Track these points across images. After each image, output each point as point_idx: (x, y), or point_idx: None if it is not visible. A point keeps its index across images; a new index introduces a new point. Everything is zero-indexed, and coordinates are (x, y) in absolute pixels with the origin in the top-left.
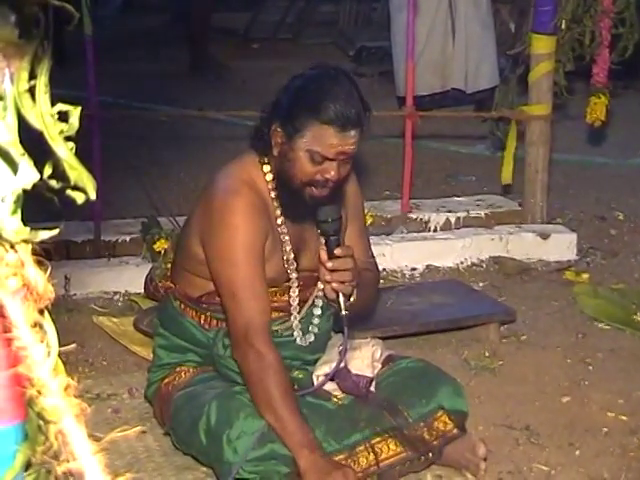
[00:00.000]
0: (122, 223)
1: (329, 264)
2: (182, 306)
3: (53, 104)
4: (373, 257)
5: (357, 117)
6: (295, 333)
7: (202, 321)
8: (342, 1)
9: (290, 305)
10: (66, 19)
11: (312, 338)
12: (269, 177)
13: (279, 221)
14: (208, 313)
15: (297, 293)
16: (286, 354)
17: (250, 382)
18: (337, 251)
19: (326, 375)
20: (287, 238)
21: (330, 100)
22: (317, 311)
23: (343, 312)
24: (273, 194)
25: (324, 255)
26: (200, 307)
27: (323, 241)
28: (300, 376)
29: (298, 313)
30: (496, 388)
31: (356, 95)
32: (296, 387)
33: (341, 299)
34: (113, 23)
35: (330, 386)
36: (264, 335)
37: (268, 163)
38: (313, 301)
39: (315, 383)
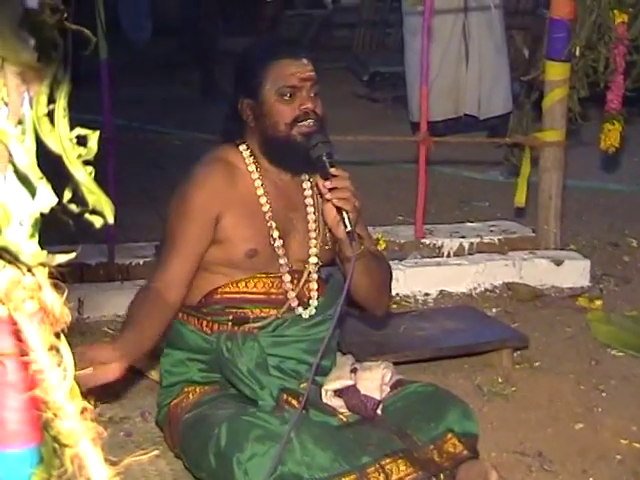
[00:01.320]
0: (136, 246)
1: (327, 183)
2: (184, 316)
3: (71, 128)
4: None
5: (302, 46)
6: (295, 309)
7: (204, 327)
8: (356, 26)
9: (285, 294)
10: (83, 43)
11: (313, 311)
12: (246, 153)
13: (260, 198)
14: (209, 318)
15: (290, 279)
16: (292, 349)
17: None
18: (333, 170)
19: (335, 391)
20: (269, 213)
21: (272, 42)
22: (314, 285)
23: (349, 228)
24: (252, 167)
25: (321, 180)
26: (201, 312)
27: (319, 173)
28: (311, 393)
29: (297, 302)
30: (509, 414)
31: (290, 36)
32: (301, 400)
33: (345, 216)
34: (144, 49)
35: (337, 403)
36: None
37: (244, 143)
38: (308, 274)
39: (324, 397)
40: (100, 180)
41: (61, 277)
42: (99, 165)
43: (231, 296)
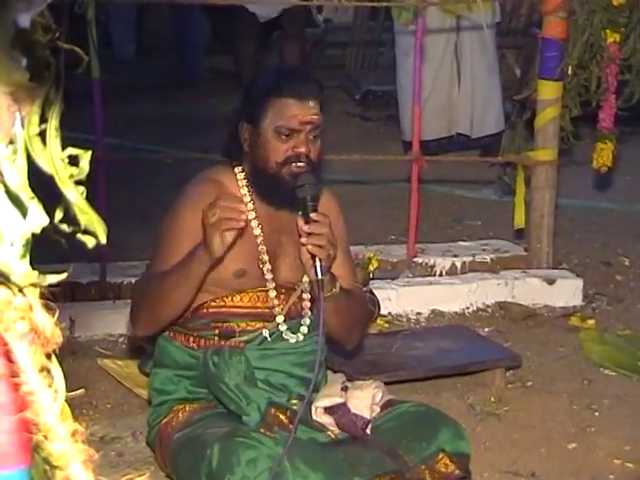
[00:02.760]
0: (128, 265)
1: (305, 227)
2: (171, 334)
3: (63, 146)
4: (358, 283)
5: (312, 86)
6: (283, 333)
7: (191, 342)
8: (349, 45)
9: (271, 310)
10: (74, 62)
11: (301, 338)
12: (240, 176)
13: (252, 221)
14: (195, 333)
15: (275, 294)
16: (279, 362)
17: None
18: (313, 215)
19: (325, 408)
20: (260, 237)
21: (284, 76)
22: (306, 321)
23: (319, 276)
24: (244, 190)
25: (301, 221)
26: (187, 328)
27: (300, 213)
28: (295, 407)
29: (283, 318)
30: (502, 434)
31: (308, 72)
32: (289, 415)
33: (317, 263)
34: (130, 68)
35: (327, 420)
36: None
37: (240, 165)
38: (301, 307)
39: (314, 414)
40: (92, 199)
41: (52, 296)
42: (91, 184)
43: (217, 310)
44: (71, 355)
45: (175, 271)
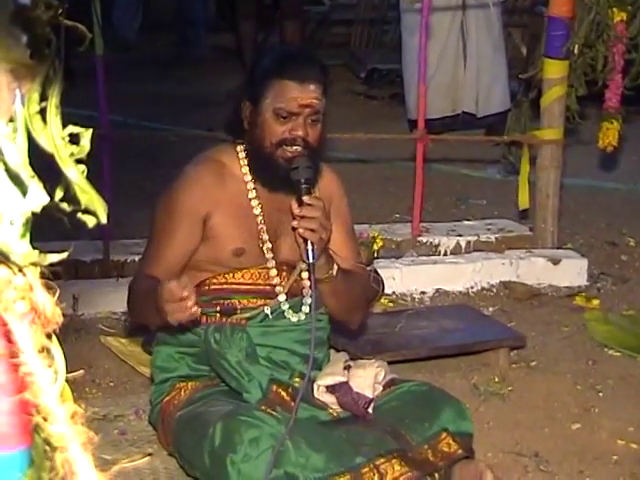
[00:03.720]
0: (131, 243)
1: (297, 210)
2: None
3: (64, 124)
4: (362, 263)
5: (315, 70)
6: (285, 312)
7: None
8: (354, 23)
9: (273, 287)
10: (78, 39)
11: (303, 317)
12: (242, 155)
13: (252, 200)
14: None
15: (276, 273)
16: (281, 339)
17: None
18: (305, 198)
19: (327, 386)
20: (260, 216)
21: (287, 58)
22: (307, 301)
23: (310, 260)
24: (245, 169)
25: (294, 204)
26: None
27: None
28: (297, 384)
29: (285, 296)
30: (505, 414)
31: (313, 55)
32: (290, 392)
33: (309, 247)
34: (134, 44)
35: (329, 399)
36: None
37: (242, 143)
38: (302, 285)
39: (315, 392)
40: (95, 177)
41: (55, 274)
42: (94, 162)
43: (218, 287)
44: (74, 333)
45: (146, 300)
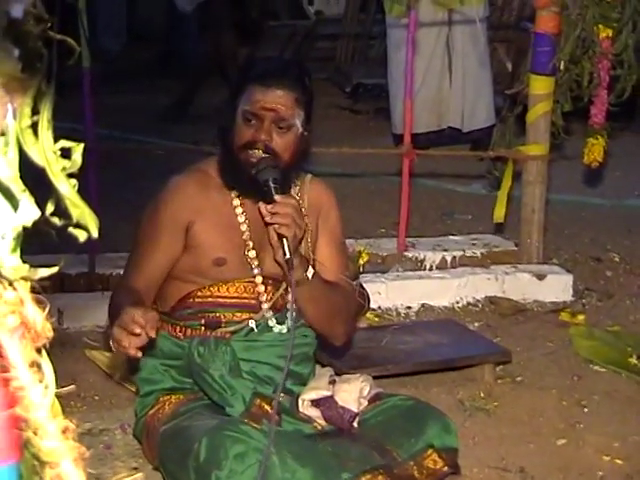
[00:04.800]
0: (116, 257)
1: (269, 207)
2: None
3: (54, 138)
4: (350, 278)
5: (287, 78)
6: (270, 322)
7: (177, 332)
8: (339, 37)
9: (258, 301)
10: (66, 52)
11: (286, 328)
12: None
13: (235, 208)
14: (182, 323)
15: (263, 286)
16: (266, 354)
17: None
18: (277, 197)
19: (312, 401)
20: (245, 226)
21: (263, 65)
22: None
23: (287, 256)
24: None
25: (263, 204)
26: (174, 318)
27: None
28: (286, 402)
29: (270, 310)
30: (491, 429)
31: (293, 66)
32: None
33: (284, 243)
34: (118, 56)
35: (314, 413)
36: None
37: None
38: (287, 299)
39: (300, 407)
40: (81, 190)
41: (41, 288)
42: (81, 174)
43: (203, 300)
44: (59, 346)
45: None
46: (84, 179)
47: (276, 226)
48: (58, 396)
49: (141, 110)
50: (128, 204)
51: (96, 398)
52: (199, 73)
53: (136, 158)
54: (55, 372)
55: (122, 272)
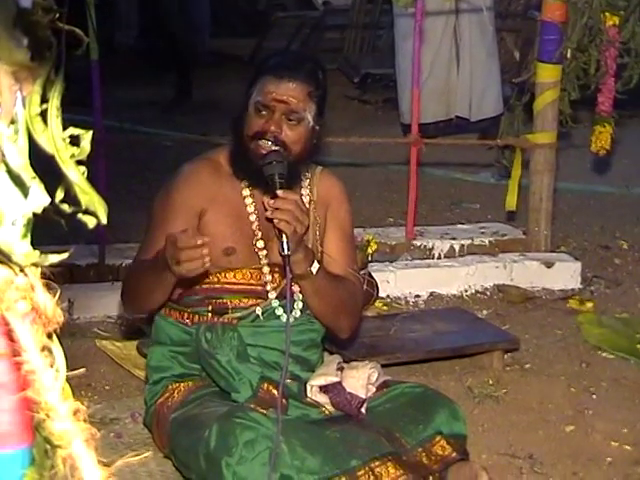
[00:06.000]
0: (126, 247)
1: (271, 202)
2: (166, 310)
3: (63, 128)
4: (358, 271)
5: (299, 71)
6: (276, 310)
7: (185, 318)
8: (347, 28)
9: (265, 287)
10: (74, 44)
11: (297, 314)
12: None
13: (245, 198)
14: (189, 309)
15: (269, 273)
16: (273, 339)
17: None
18: (279, 192)
19: (320, 387)
20: (254, 216)
21: (277, 57)
22: (299, 304)
23: (285, 252)
24: None
25: (267, 198)
26: (181, 305)
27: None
28: (293, 387)
29: (276, 297)
30: (499, 416)
31: (307, 59)
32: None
33: (283, 239)
34: (131, 49)
35: (322, 399)
36: None
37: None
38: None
39: (309, 392)
40: (90, 181)
41: (50, 278)
42: (89, 165)
43: (210, 286)
44: (70, 337)
45: (148, 271)
46: (93, 170)
47: (276, 221)
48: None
49: (152, 102)
50: (137, 196)
51: (106, 388)
52: (181, 64)
53: (144, 149)
54: (65, 362)
55: (132, 260)
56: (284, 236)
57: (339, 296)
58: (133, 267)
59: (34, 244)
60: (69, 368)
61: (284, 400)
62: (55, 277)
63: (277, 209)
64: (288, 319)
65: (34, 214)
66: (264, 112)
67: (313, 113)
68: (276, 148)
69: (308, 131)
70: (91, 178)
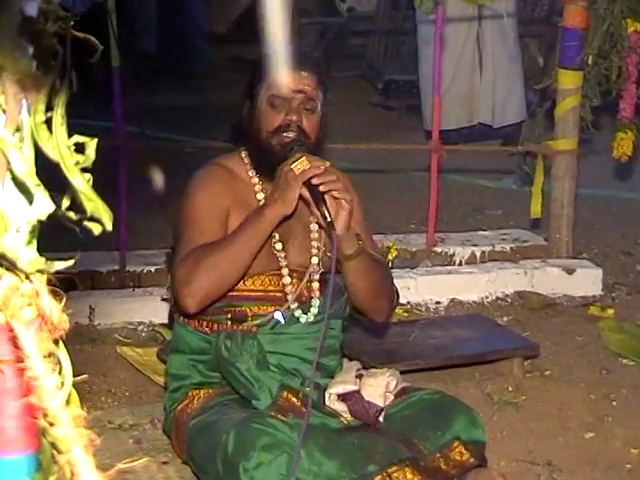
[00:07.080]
0: (147, 254)
1: (315, 180)
2: (185, 319)
3: (82, 134)
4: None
5: (308, 60)
6: (296, 313)
7: (204, 327)
8: (371, 34)
9: (284, 293)
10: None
11: (312, 318)
12: (247, 160)
13: (260, 202)
14: (208, 318)
15: (289, 278)
16: (292, 346)
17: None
18: (326, 164)
19: (339, 395)
20: None
21: (285, 51)
22: (316, 302)
23: (329, 218)
24: (252, 173)
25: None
26: (200, 313)
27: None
28: (313, 395)
29: (295, 300)
30: (519, 423)
31: (307, 49)
32: (301, 398)
33: (323, 208)
34: (152, 57)
35: (340, 407)
36: None
37: (244, 149)
38: (311, 289)
39: (327, 400)
40: (112, 187)
41: (71, 284)
42: (111, 173)
43: (229, 294)
44: (90, 342)
45: (238, 234)
46: (114, 177)
47: (336, 193)
48: (87, 391)
49: (175, 109)
50: (158, 202)
51: (126, 394)
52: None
53: (166, 156)
54: (86, 368)
55: (153, 270)
56: (323, 206)
57: (379, 276)
58: (195, 253)
59: (52, 251)
60: (90, 376)
61: (303, 409)
62: (76, 284)
63: (322, 183)
64: (329, 296)
65: (42, 221)
66: (280, 105)
67: (322, 101)
68: (299, 137)
69: (320, 119)
70: (112, 185)
